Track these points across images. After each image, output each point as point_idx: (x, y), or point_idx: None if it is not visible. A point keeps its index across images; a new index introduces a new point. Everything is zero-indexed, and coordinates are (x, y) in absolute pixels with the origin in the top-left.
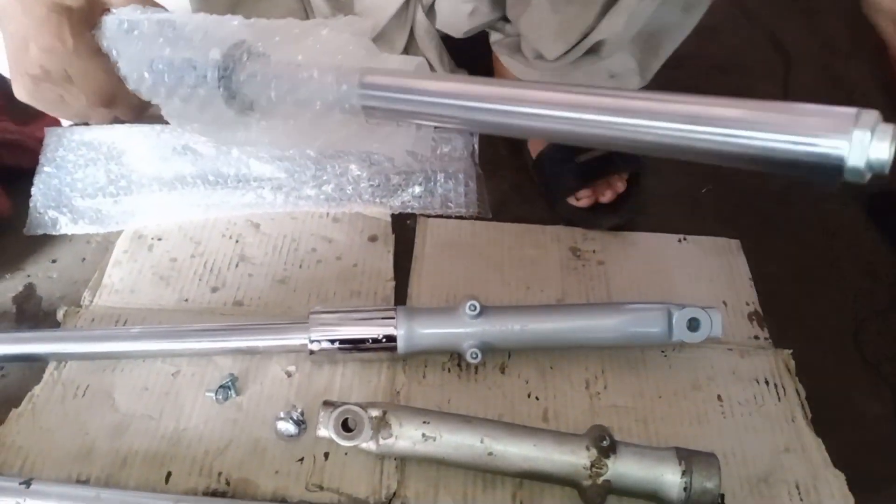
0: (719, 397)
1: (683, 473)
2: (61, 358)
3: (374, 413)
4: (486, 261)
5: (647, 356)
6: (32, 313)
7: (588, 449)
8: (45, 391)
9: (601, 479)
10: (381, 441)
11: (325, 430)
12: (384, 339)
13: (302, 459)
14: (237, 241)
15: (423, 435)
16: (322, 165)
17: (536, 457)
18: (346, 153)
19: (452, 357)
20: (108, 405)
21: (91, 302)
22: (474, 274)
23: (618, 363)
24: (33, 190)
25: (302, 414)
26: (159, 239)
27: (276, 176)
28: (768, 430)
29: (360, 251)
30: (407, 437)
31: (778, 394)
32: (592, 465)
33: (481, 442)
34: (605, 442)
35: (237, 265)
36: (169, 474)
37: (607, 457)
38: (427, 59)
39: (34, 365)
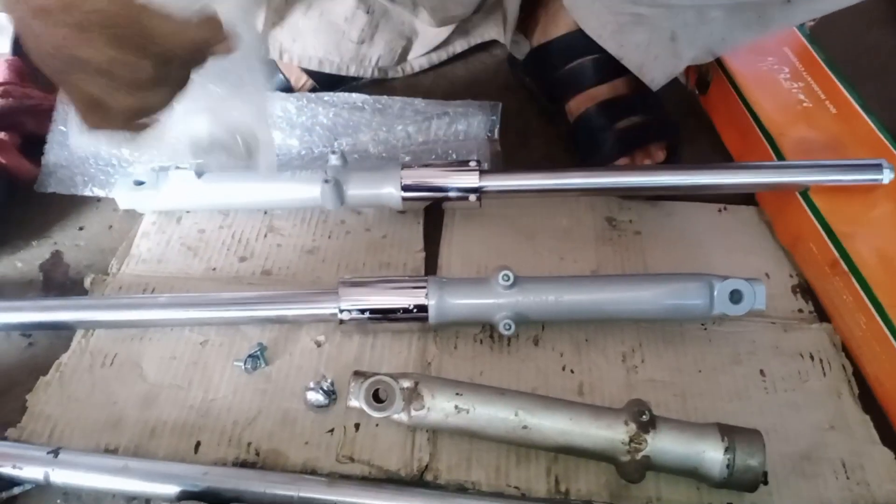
0: (762, 372)
1: (727, 450)
2: (89, 326)
3: (406, 384)
4: (518, 231)
5: (686, 330)
6: (59, 281)
7: (626, 424)
8: (73, 360)
9: (640, 454)
10: (413, 413)
11: (356, 400)
12: (415, 309)
13: (332, 430)
14: (265, 214)
15: (456, 407)
16: (340, 142)
17: (572, 431)
18: (357, 131)
19: (484, 329)
20: (137, 374)
21: (118, 270)
22: (506, 244)
23: (655, 336)
24: (46, 147)
25: (332, 384)
26: (187, 211)
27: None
28: (812, 407)
29: (389, 222)
30: (439, 408)
31: (823, 369)
32: (631, 441)
33: (515, 415)
34: (644, 417)
35: (266, 235)
36: (198, 444)
37: (647, 432)
38: None
39: (62, 333)
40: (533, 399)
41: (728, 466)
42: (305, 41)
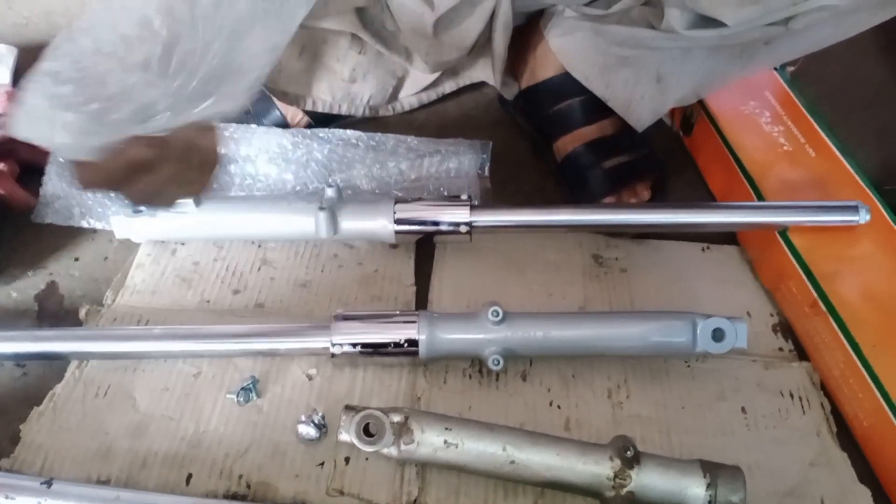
0: (743, 409)
1: (708, 486)
2: (83, 357)
3: (396, 418)
4: (508, 266)
5: (671, 366)
6: (54, 311)
7: (612, 459)
8: (66, 390)
9: (625, 490)
10: (403, 447)
11: (347, 434)
12: (406, 344)
13: (322, 464)
14: (259, 247)
15: (445, 441)
16: (334, 177)
17: (559, 466)
18: (351, 167)
19: (474, 363)
20: (129, 405)
21: (113, 301)
22: (496, 279)
23: (641, 373)
24: (44, 178)
25: (323, 418)
26: (182, 244)
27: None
28: (794, 444)
29: (381, 257)
30: (428, 443)
31: (803, 407)
32: (616, 476)
33: (503, 450)
34: (628, 453)
35: (259, 269)
36: (189, 476)
37: (631, 468)
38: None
39: (55, 363)
40: (521, 434)
41: (710, 502)
42: (298, 80)
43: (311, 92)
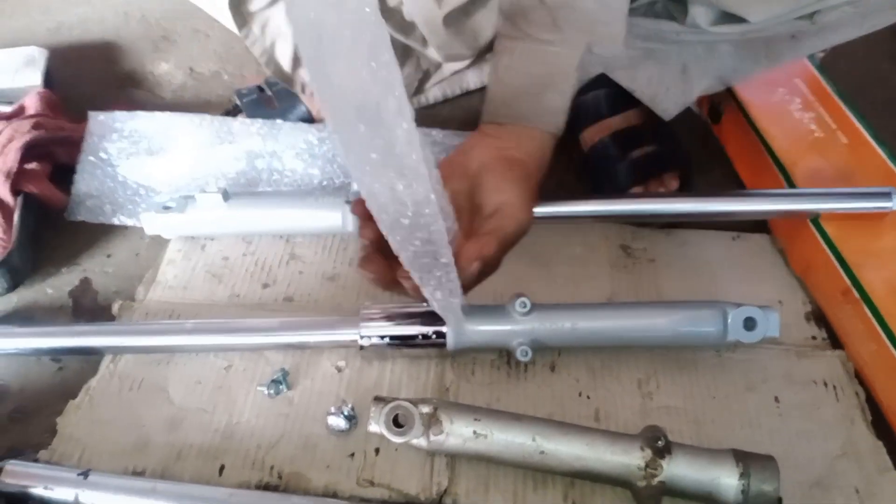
0: (776, 399)
1: (741, 476)
2: (117, 351)
3: (425, 409)
4: (534, 258)
5: (700, 356)
6: (88, 307)
7: (642, 449)
8: (102, 384)
9: (656, 480)
10: (432, 438)
11: (377, 425)
12: (434, 336)
13: (353, 455)
14: (287, 241)
15: (475, 432)
16: None
17: (589, 456)
18: None
19: (501, 354)
20: (163, 398)
21: (145, 297)
22: (522, 272)
23: (670, 363)
24: (76, 177)
25: (352, 409)
26: (212, 239)
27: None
28: (827, 433)
29: None
30: (458, 434)
31: (836, 396)
32: (647, 466)
33: (533, 440)
34: (659, 442)
35: (287, 263)
36: (222, 467)
37: (662, 457)
38: None
39: (90, 358)
40: (550, 425)
41: (743, 492)
42: None
43: None
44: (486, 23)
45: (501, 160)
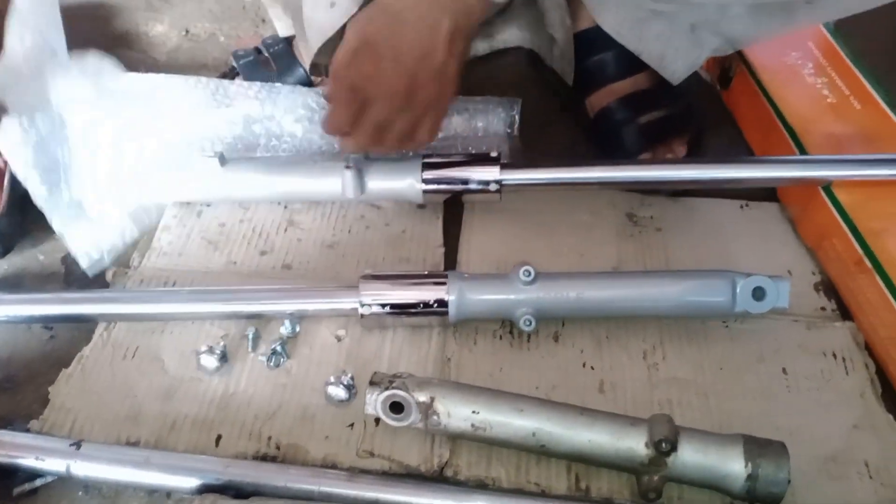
0: (784, 371)
1: (749, 467)
2: (110, 319)
3: (422, 398)
4: (539, 227)
5: (708, 327)
6: (81, 274)
7: (647, 447)
8: (95, 352)
9: (659, 475)
10: (430, 426)
11: (373, 410)
12: (435, 305)
13: (352, 425)
14: (286, 207)
15: (472, 425)
16: None
17: (591, 453)
18: None
19: (504, 324)
20: (158, 367)
21: (140, 263)
22: (526, 240)
23: (677, 334)
24: None
25: (352, 379)
26: (208, 205)
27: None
28: (836, 406)
29: (408, 218)
30: (455, 426)
31: (846, 368)
32: (651, 463)
33: (533, 435)
34: (664, 445)
35: (286, 230)
36: (219, 438)
37: (667, 455)
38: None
39: (83, 326)
40: (552, 416)
41: (750, 488)
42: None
43: None
44: None
45: None
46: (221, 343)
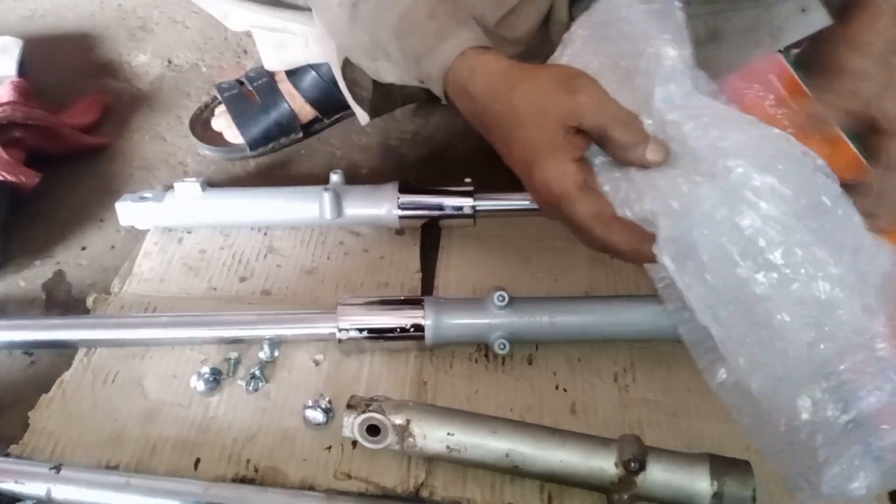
0: None
1: (714, 486)
2: (91, 344)
3: (398, 421)
4: (514, 253)
5: (678, 349)
6: (62, 300)
7: (616, 466)
8: (76, 377)
9: (628, 494)
10: (406, 448)
11: (350, 432)
12: (412, 329)
13: (330, 448)
14: (265, 234)
15: (448, 447)
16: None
17: (563, 472)
18: None
19: (480, 348)
20: (138, 392)
21: (120, 289)
22: (501, 266)
23: (647, 356)
24: None
25: (330, 402)
26: (189, 232)
27: None
28: None
29: (387, 244)
30: (431, 448)
31: None
32: (620, 482)
33: (506, 456)
34: (633, 465)
35: (265, 256)
36: (198, 461)
37: (636, 475)
38: None
39: (64, 351)
40: (525, 437)
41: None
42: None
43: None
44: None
45: None
46: (209, 367)
